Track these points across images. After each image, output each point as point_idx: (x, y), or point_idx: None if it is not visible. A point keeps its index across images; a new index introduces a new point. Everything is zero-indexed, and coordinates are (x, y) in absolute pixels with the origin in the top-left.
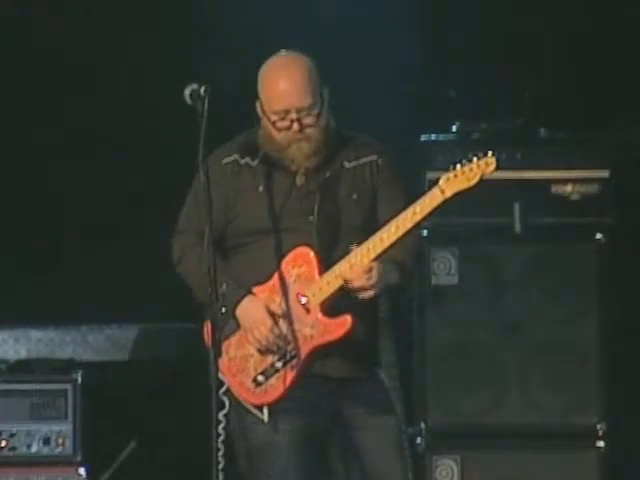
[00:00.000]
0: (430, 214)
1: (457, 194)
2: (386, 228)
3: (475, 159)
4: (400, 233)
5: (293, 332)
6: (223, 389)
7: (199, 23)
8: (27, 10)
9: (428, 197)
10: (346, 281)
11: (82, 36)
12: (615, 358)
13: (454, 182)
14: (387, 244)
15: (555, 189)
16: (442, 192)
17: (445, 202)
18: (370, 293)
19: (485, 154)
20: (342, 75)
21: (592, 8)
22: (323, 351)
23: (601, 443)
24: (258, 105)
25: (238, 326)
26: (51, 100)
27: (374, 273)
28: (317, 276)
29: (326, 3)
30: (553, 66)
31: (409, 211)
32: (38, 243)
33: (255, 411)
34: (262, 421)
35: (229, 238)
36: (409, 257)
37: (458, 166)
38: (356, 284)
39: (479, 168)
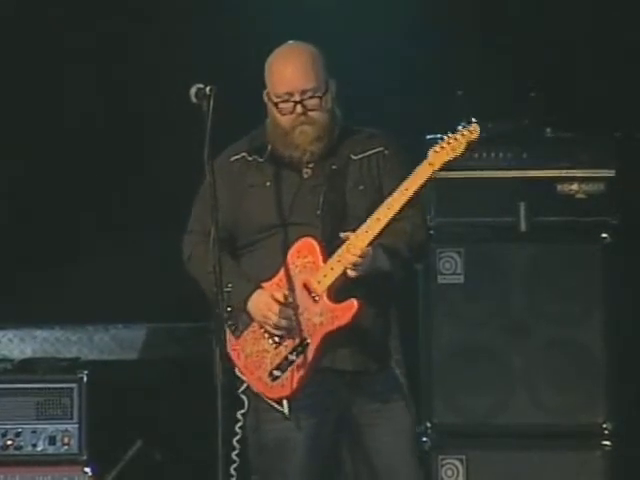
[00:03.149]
0: (422, 188)
1: (445, 164)
2: (380, 209)
3: (460, 128)
4: (396, 209)
5: (303, 322)
6: (242, 388)
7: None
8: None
9: (418, 173)
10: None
11: (82, 35)
12: (621, 357)
13: (441, 154)
14: (384, 223)
15: (561, 188)
16: (431, 165)
17: (434, 175)
18: (356, 272)
19: (469, 122)
20: (346, 74)
21: (596, 5)
22: (334, 342)
23: (607, 443)
24: (265, 94)
25: (251, 320)
26: (51, 100)
27: (367, 256)
28: (322, 264)
29: (330, 3)
30: (559, 65)
31: (400, 188)
32: (44, 243)
33: (276, 406)
34: (284, 415)
35: (240, 237)
36: (402, 245)
37: (445, 137)
38: (349, 260)
39: (463, 137)
